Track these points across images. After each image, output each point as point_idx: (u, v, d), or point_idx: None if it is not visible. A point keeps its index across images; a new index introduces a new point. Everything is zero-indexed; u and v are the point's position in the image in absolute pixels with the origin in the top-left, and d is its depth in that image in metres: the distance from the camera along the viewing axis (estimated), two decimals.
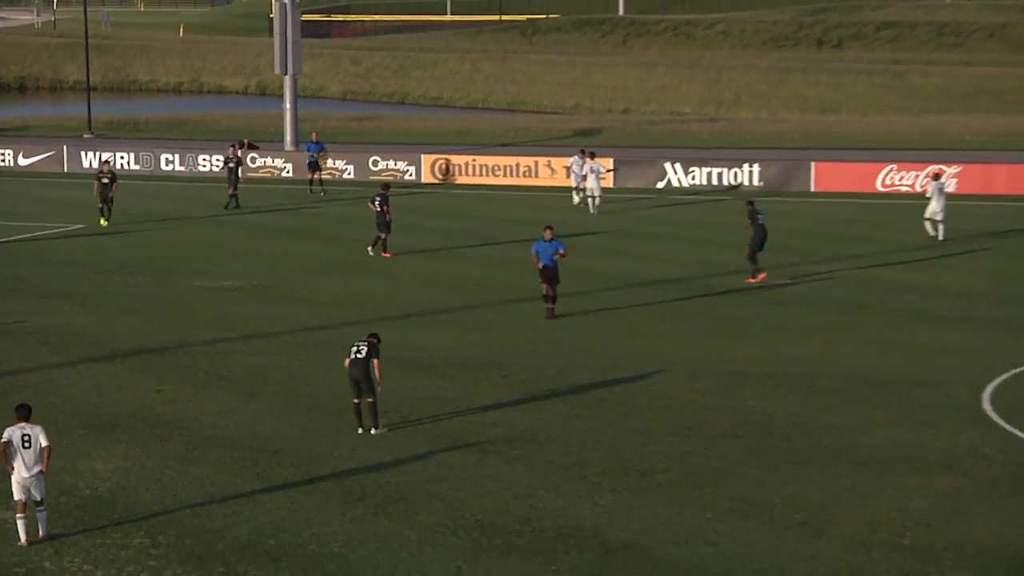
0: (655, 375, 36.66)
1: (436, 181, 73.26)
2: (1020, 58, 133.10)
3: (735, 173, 71.00)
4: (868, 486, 28.15)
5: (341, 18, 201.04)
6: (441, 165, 73.95)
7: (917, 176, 67.74)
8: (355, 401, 31.66)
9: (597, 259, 52.40)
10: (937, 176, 57.36)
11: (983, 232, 57.66)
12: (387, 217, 52.57)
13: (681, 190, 70.66)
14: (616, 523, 26.36)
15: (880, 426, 32.08)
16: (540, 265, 42.82)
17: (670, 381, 36.10)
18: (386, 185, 55.80)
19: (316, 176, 69.71)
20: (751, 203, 48.85)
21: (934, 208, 55.47)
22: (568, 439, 31.35)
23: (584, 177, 63.84)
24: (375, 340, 31.56)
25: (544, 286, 43.01)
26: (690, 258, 52.56)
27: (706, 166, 71.80)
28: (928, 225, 55.64)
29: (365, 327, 41.75)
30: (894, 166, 69.00)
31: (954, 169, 68.23)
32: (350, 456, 30.23)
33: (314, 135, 72.75)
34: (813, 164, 71.16)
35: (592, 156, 64.78)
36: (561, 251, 42.63)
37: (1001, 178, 68.40)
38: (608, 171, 67.24)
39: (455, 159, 74.85)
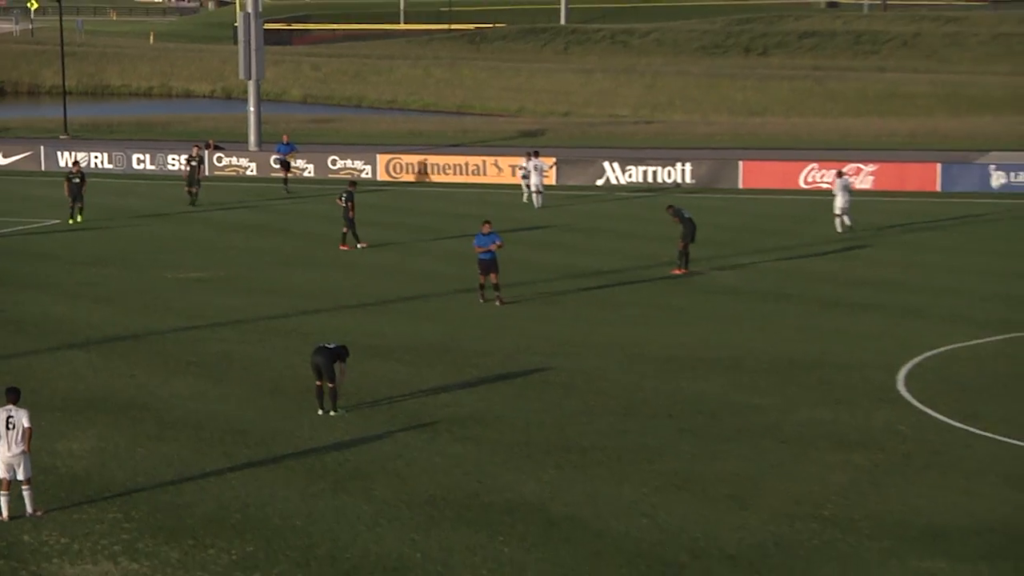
0: (595, 359, 36.73)
1: (410, 179, 73.17)
2: (930, 65, 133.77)
3: (669, 171, 71.17)
4: (792, 462, 28.29)
5: (301, 27, 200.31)
6: (414, 165, 74.00)
7: (835, 173, 68.02)
8: (317, 384, 31.64)
9: (541, 252, 52.45)
10: (841, 174, 57.77)
11: (895, 226, 58.00)
12: (350, 213, 52.54)
13: (619, 187, 70.78)
14: (559, 497, 26.41)
15: (803, 406, 32.24)
16: (479, 256, 43.11)
17: (609, 365, 36.18)
18: (352, 183, 55.82)
19: (287, 175, 69.67)
20: (670, 207, 49.07)
21: (840, 203, 55.89)
22: (514, 419, 31.39)
23: (527, 175, 64.11)
24: (345, 349, 31.65)
25: (481, 276, 43.30)
26: (627, 250, 52.62)
27: (642, 165, 71.99)
28: (837, 221, 56.00)
29: (325, 316, 41.85)
30: (815, 165, 69.25)
31: (870, 168, 68.66)
32: (311, 436, 30.20)
33: (285, 137, 72.64)
34: (740, 163, 71.44)
35: (536, 155, 65.12)
36: (498, 243, 42.86)
37: (913, 176, 68.78)
38: (548, 168, 67.47)
39: (407, 159, 74.82)
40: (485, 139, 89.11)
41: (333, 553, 23.85)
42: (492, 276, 43.16)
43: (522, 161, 65.80)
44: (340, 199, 53.03)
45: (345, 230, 52.81)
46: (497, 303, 43.17)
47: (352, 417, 31.45)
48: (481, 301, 43.41)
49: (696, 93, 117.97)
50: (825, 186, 67.02)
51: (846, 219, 55.78)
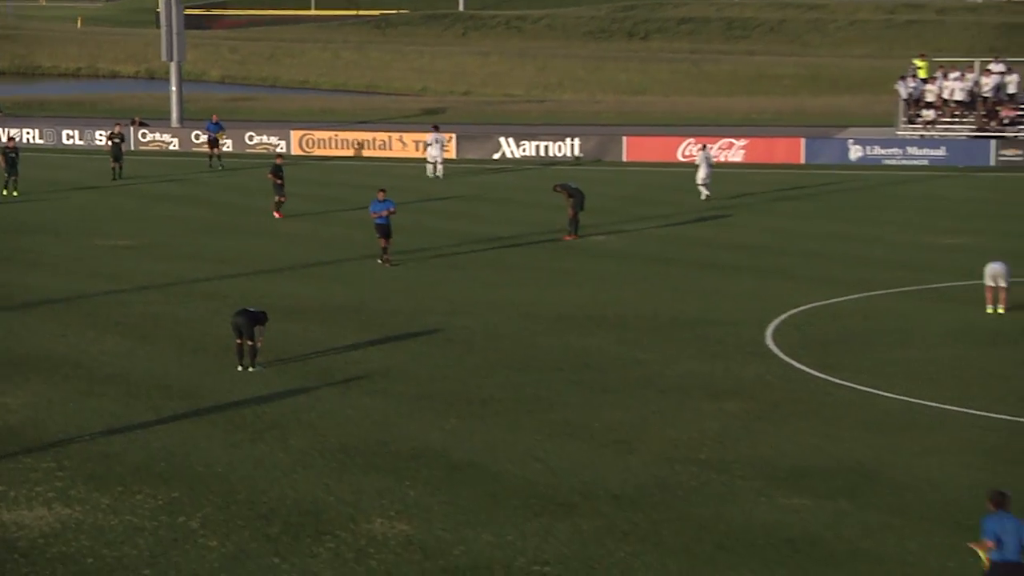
0: (492, 318, 36.73)
1: (321, 153, 72.81)
2: (795, 48, 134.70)
3: (559, 146, 71.44)
4: (671, 410, 28.45)
5: (219, 12, 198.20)
6: (325, 141, 73.78)
7: (711, 148, 68.55)
8: (237, 343, 31.42)
9: (443, 220, 52.44)
10: (704, 147, 58.16)
11: (764, 194, 58.44)
12: (278, 182, 52.57)
13: (514, 160, 70.85)
14: (460, 444, 26.43)
15: (681, 359, 32.42)
16: (375, 221, 43.30)
17: (505, 323, 36.20)
18: (279, 156, 55.90)
19: (215, 152, 68.92)
20: (556, 186, 49.17)
21: (702, 175, 56.38)
22: (419, 374, 31.35)
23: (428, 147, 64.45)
24: (265, 315, 31.49)
25: (380, 240, 43.32)
26: (522, 218, 52.64)
27: (535, 140, 72.17)
28: (701, 190, 56.48)
29: (244, 280, 41.53)
30: (692, 140, 69.64)
31: (741, 142, 69.17)
32: (231, 390, 29.99)
33: (214, 117, 71.79)
34: (624, 138, 71.70)
35: (436, 129, 65.32)
36: (391, 209, 42.93)
37: (780, 150, 69.37)
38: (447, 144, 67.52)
39: (318, 134, 74.59)
40: (390, 117, 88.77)
41: (252, 498, 23.73)
42: (384, 240, 43.34)
43: (427, 137, 65.76)
44: (272, 174, 52.93)
45: (280, 199, 53.00)
46: (386, 265, 43.28)
47: (269, 373, 31.27)
48: (382, 263, 43.42)
49: (584, 74, 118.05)
50: (715, 159, 67.50)
51: (704, 190, 56.32)
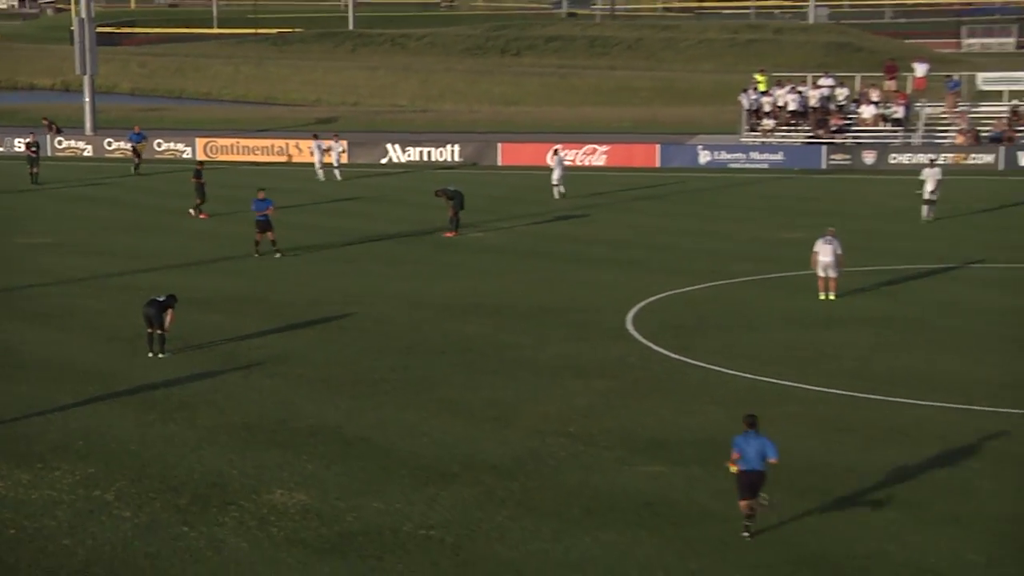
0: (382, 307, 36.58)
1: (224, 159, 71.91)
2: (651, 64, 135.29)
3: (441, 151, 71.30)
4: (543, 388, 28.53)
5: (129, 30, 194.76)
6: (228, 147, 73.12)
7: (576, 153, 69.04)
8: (148, 332, 31.01)
9: (336, 218, 52.12)
10: (556, 152, 58.70)
11: (624, 194, 58.77)
12: (200, 184, 52.35)
13: (400, 164, 70.58)
14: (353, 422, 26.29)
15: (552, 343, 32.52)
16: (256, 218, 43.84)
17: (394, 312, 36.07)
18: (200, 163, 55.76)
19: (137, 159, 67.73)
20: (437, 191, 49.17)
21: (556, 176, 56.79)
22: (316, 358, 31.15)
23: (326, 152, 64.19)
24: (173, 297, 31.12)
25: (257, 234, 43.77)
26: (408, 217, 52.43)
27: (419, 146, 71.88)
28: (555, 190, 56.82)
29: (155, 274, 40.96)
30: (560, 145, 69.71)
31: (604, 148, 69.54)
32: (143, 375, 29.57)
33: (136, 127, 70.76)
34: (499, 144, 71.60)
35: (316, 137, 65.78)
36: (271, 208, 43.69)
37: (637, 154, 69.75)
38: (342, 151, 66.99)
39: (221, 141, 73.83)
40: (287, 126, 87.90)
41: (163, 472, 23.45)
42: (269, 234, 43.63)
43: (329, 142, 65.39)
44: (194, 176, 52.71)
45: (200, 201, 52.64)
46: (278, 255, 43.41)
47: (178, 359, 30.88)
48: (256, 256, 43.55)
49: (462, 87, 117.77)
50: (567, 163, 67.68)
51: (561, 188, 56.64)
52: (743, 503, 20.31)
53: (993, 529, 20.67)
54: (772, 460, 20.12)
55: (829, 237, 36.74)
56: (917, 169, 53.75)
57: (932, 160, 53.13)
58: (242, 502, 22.16)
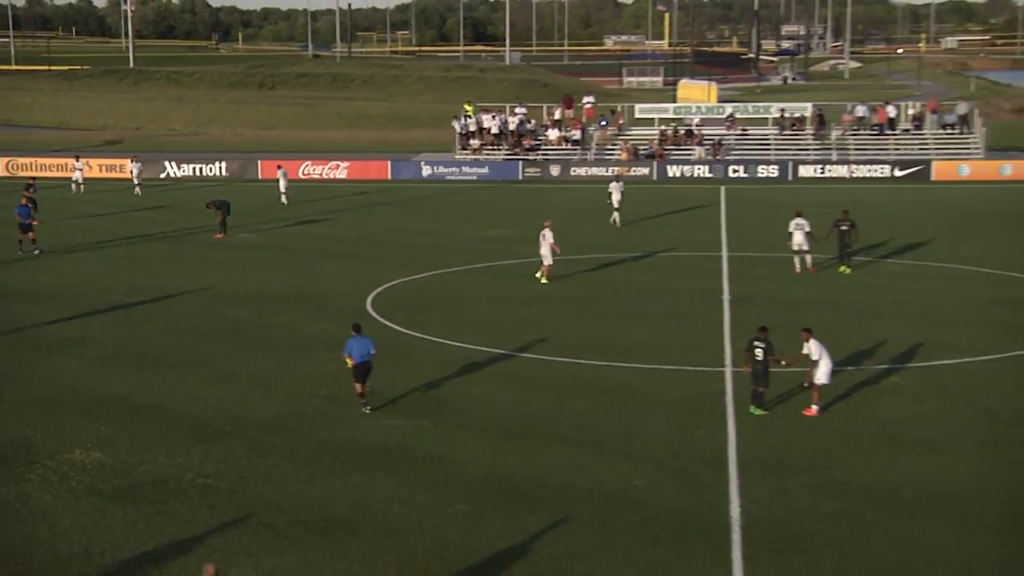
0: (166, 296, 35.55)
1: (25, 175, 68.29)
2: (382, 96, 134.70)
3: (211, 167, 69.99)
4: (300, 360, 28.25)
5: None
6: (28, 164, 69.78)
7: (322, 168, 68.54)
8: None
9: (126, 224, 50.33)
10: (280, 167, 59.03)
11: (362, 200, 58.54)
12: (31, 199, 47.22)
13: (176, 179, 68.78)
14: (140, 391, 25.48)
15: (305, 323, 32.22)
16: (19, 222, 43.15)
17: (173, 301, 35.12)
18: (33, 179, 53.82)
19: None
20: (208, 204, 48.15)
21: (283, 185, 56.84)
22: (106, 340, 30.10)
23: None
24: None
25: (20, 233, 42.78)
26: (184, 222, 51.12)
27: (192, 163, 70.49)
28: (283, 197, 56.54)
29: None
30: (309, 162, 69.34)
31: (345, 164, 69.20)
32: None
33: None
34: (259, 161, 70.68)
35: (77, 159, 64.41)
36: (32, 217, 42.83)
37: (373, 169, 69.52)
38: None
39: (22, 160, 70.82)
40: (80, 146, 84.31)
41: None
42: (31, 235, 42.77)
43: (128, 163, 63.62)
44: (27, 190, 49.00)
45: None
46: (36, 252, 42.50)
47: None
48: (26, 252, 42.26)
49: (227, 114, 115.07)
50: (316, 176, 67.39)
51: (286, 198, 56.50)
52: (358, 386, 23.51)
53: (656, 460, 21.52)
54: (373, 352, 23.43)
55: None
56: (594, 179, 55.32)
57: (617, 175, 53.62)
58: (46, 461, 21.25)
